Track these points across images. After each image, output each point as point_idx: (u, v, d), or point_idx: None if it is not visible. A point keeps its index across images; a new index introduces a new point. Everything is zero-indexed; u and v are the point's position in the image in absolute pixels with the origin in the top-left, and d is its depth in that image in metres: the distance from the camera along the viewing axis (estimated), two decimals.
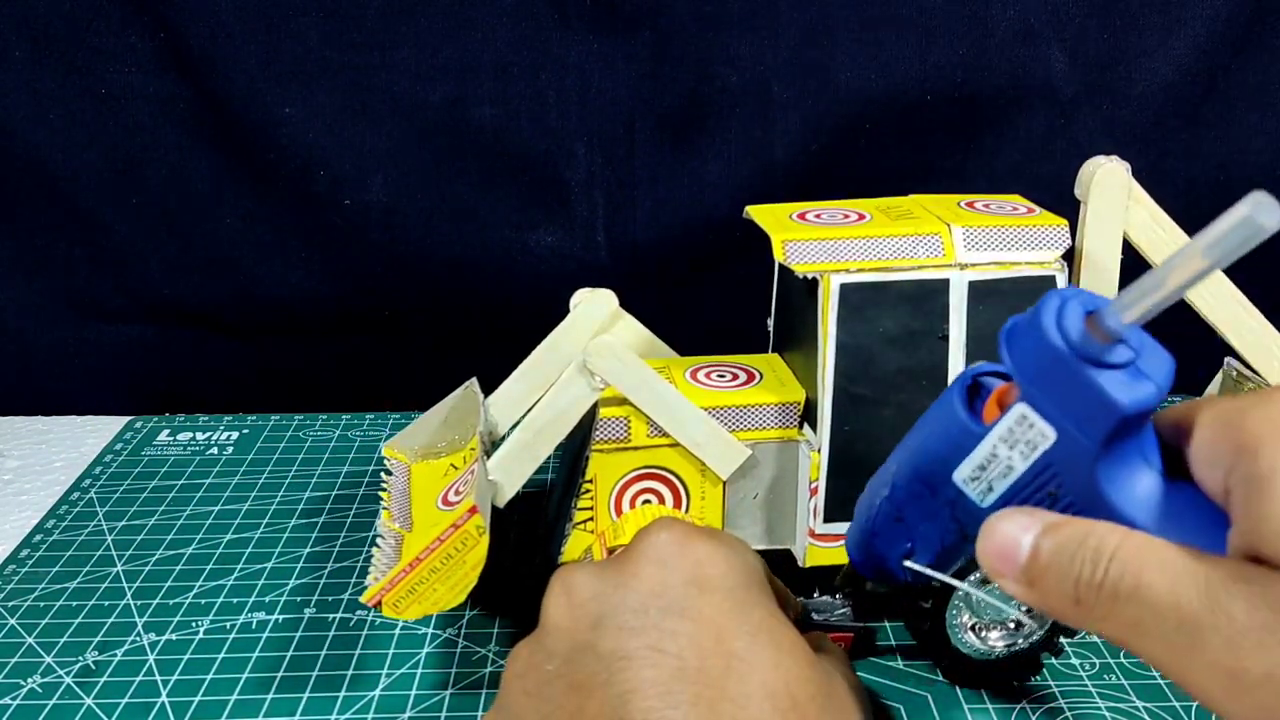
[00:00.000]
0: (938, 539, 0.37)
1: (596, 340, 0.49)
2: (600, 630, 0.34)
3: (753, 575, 0.37)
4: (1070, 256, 0.49)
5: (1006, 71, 0.69)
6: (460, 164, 0.72)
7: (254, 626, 0.54)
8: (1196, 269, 0.26)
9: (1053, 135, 0.71)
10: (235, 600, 0.56)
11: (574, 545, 0.50)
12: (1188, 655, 0.27)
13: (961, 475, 0.34)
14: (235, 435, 0.73)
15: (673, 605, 0.35)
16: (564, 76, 0.70)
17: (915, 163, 0.72)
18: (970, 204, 0.50)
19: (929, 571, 0.37)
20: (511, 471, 0.51)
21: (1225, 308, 0.51)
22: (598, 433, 0.49)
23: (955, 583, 0.37)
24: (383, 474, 0.55)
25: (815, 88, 0.70)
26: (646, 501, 0.50)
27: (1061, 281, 0.47)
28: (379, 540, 0.50)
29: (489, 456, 0.51)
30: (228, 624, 0.54)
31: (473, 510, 0.45)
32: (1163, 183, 0.73)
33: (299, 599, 0.56)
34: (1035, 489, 0.32)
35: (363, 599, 0.46)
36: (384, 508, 0.52)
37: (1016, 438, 0.32)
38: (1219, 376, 0.56)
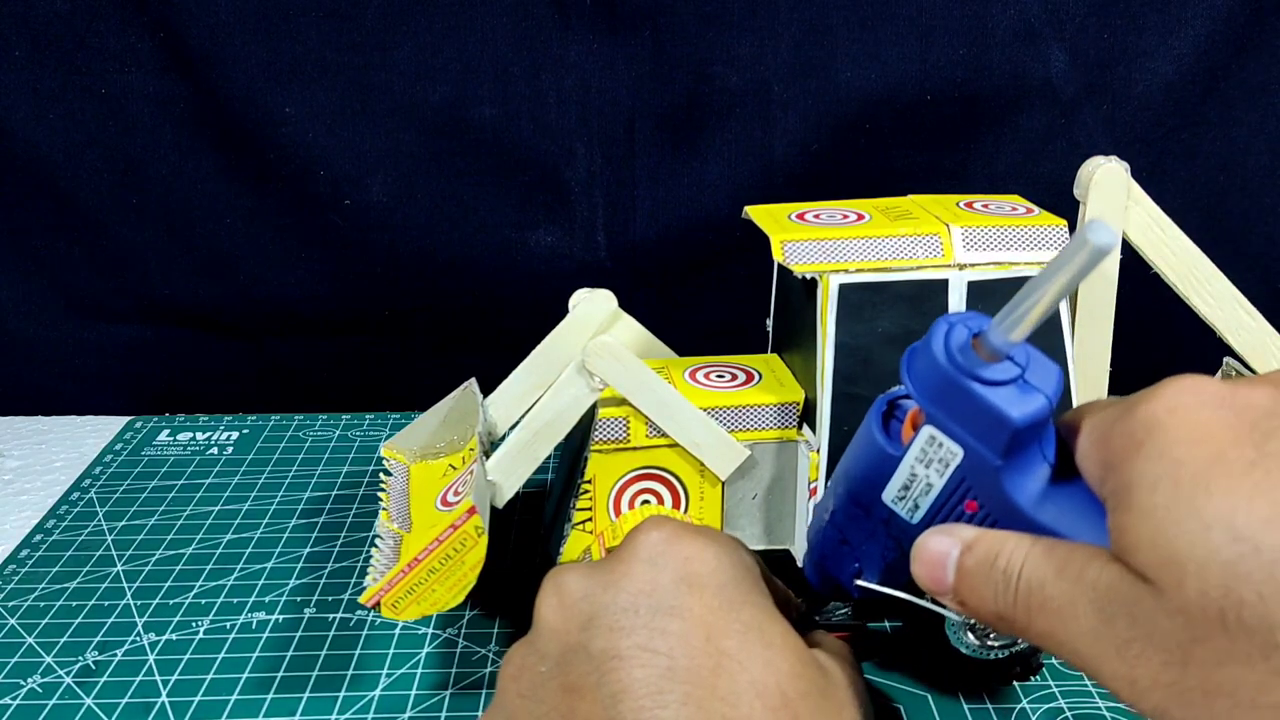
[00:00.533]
0: (880, 557, 0.38)
1: (595, 341, 0.49)
2: (591, 630, 0.34)
3: (744, 573, 0.37)
4: None
5: (1006, 71, 0.69)
6: (460, 164, 0.72)
7: (254, 626, 0.54)
8: (1060, 287, 0.28)
9: (1053, 135, 0.71)
10: (235, 600, 0.56)
11: (573, 545, 0.50)
12: (1094, 663, 0.28)
13: (889, 496, 0.36)
14: (235, 435, 0.73)
15: (663, 604, 0.35)
16: (564, 76, 0.70)
17: (915, 163, 0.72)
18: (969, 204, 0.50)
19: (882, 589, 0.39)
20: (510, 472, 0.51)
21: (1224, 307, 0.51)
22: (597, 433, 0.49)
23: (908, 597, 0.38)
24: (381, 474, 0.55)
25: (815, 87, 0.70)
26: (645, 502, 0.50)
27: None
28: (378, 541, 0.50)
29: (488, 457, 0.51)
30: (228, 624, 0.54)
31: (471, 511, 0.45)
32: (1163, 183, 0.73)
33: (299, 599, 0.56)
34: (956, 502, 0.34)
35: (361, 600, 0.46)
36: (383, 508, 0.52)
37: (930, 457, 0.34)
38: (1218, 376, 0.56)
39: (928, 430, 0.33)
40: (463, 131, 0.71)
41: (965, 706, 0.48)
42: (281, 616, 0.54)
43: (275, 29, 0.69)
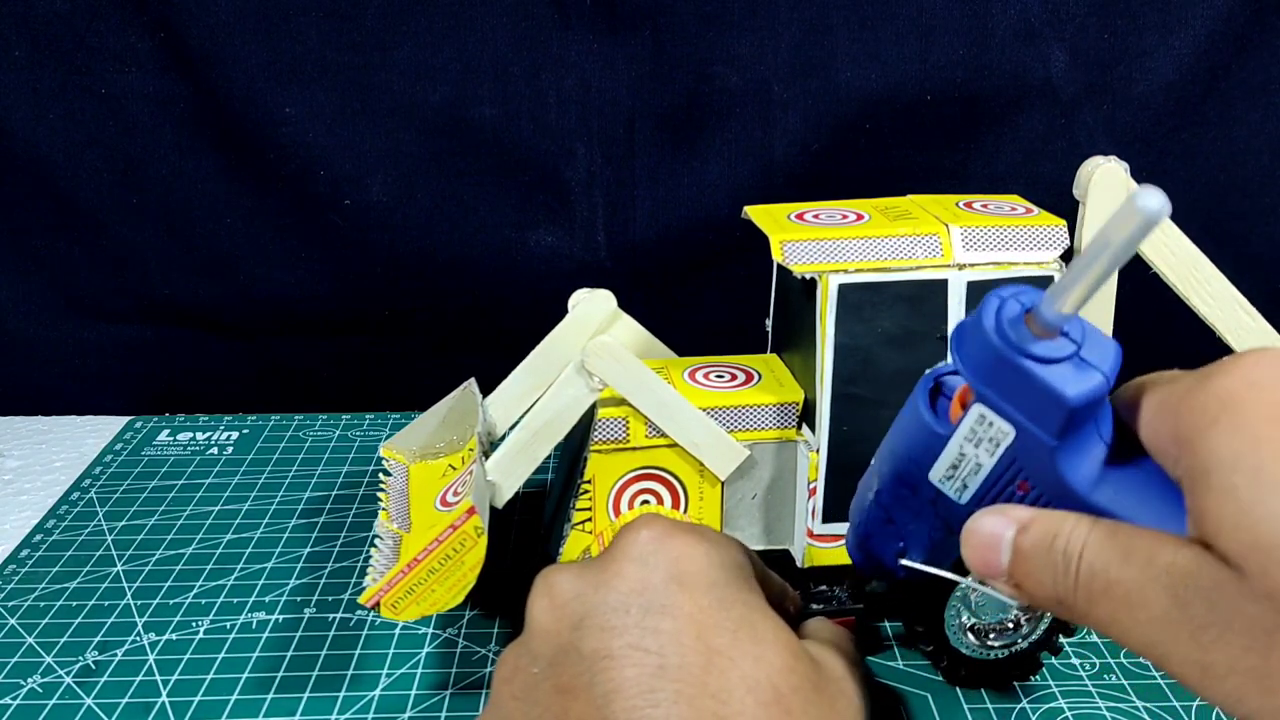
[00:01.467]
0: (926, 536, 0.37)
1: (595, 341, 0.49)
2: (582, 631, 0.34)
3: (735, 570, 0.37)
4: (1069, 256, 0.48)
5: (1006, 71, 0.69)
6: (460, 164, 0.72)
7: (254, 626, 0.54)
8: (1112, 257, 0.27)
9: (1053, 135, 0.71)
10: (235, 600, 0.56)
11: (573, 545, 0.50)
12: (1162, 648, 0.28)
13: (936, 475, 0.35)
14: (235, 435, 0.73)
15: (653, 603, 0.35)
16: (564, 76, 0.70)
17: (915, 163, 0.72)
18: (969, 204, 0.50)
19: (926, 568, 0.38)
20: (510, 472, 0.51)
21: (1224, 307, 0.51)
22: (596, 433, 0.49)
23: (954, 577, 0.37)
24: (381, 475, 0.55)
25: (815, 87, 0.70)
26: (645, 502, 0.50)
27: None
28: (377, 541, 0.50)
29: (487, 457, 0.51)
30: (228, 624, 0.54)
31: (471, 511, 0.45)
32: (1163, 183, 0.73)
33: (299, 599, 0.56)
34: (1006, 483, 0.33)
35: (360, 600, 0.46)
36: (382, 508, 0.52)
37: (979, 436, 0.33)
38: None
39: (977, 409, 0.32)
40: (463, 131, 0.71)
41: (965, 706, 0.48)
42: (281, 616, 0.54)
43: (275, 29, 0.69)
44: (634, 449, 0.49)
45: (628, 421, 0.49)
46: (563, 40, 0.70)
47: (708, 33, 0.69)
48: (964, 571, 0.35)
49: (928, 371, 0.36)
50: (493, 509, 0.50)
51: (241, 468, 0.69)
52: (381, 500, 0.52)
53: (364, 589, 0.46)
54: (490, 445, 0.53)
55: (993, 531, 0.32)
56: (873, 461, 0.38)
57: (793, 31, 0.69)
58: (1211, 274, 0.51)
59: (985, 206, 0.50)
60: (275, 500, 0.65)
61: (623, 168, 0.73)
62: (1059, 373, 0.30)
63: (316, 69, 0.69)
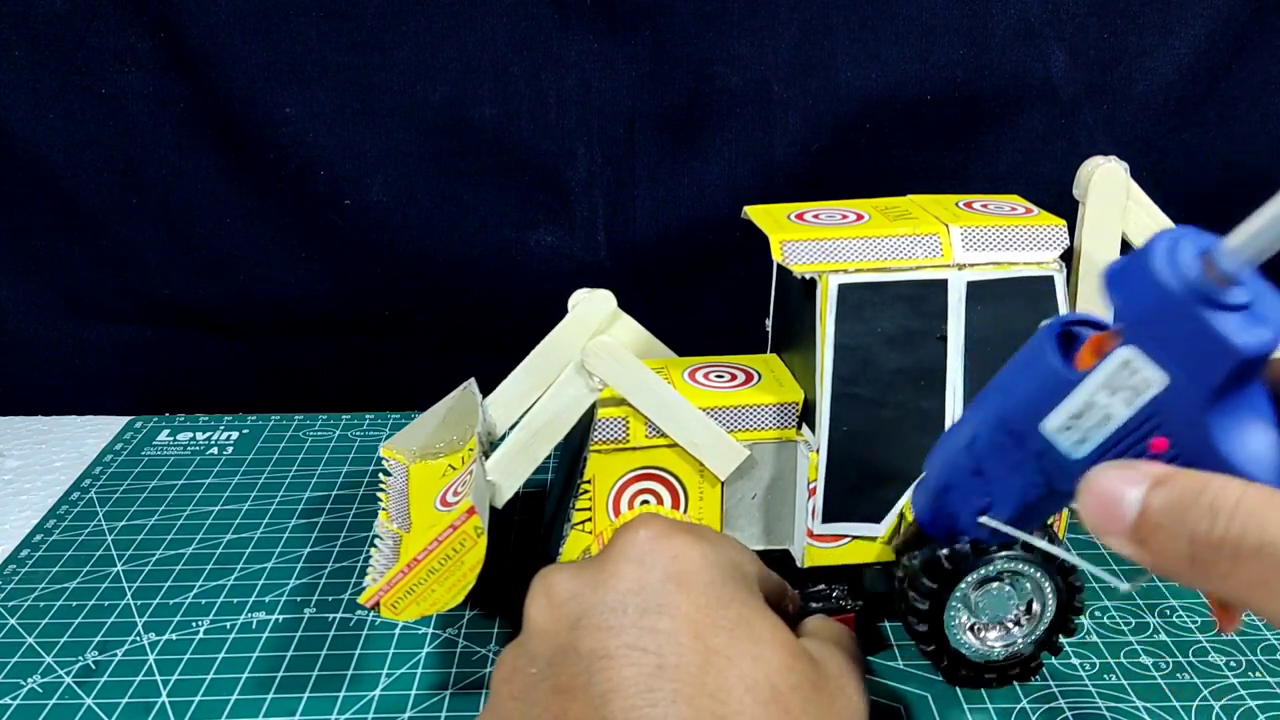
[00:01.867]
0: (1020, 493, 0.35)
1: (594, 341, 0.49)
2: (579, 630, 0.34)
3: (732, 569, 0.37)
4: (1068, 257, 0.49)
5: (1006, 71, 0.69)
6: (460, 164, 0.72)
7: (254, 626, 0.54)
8: None
9: (1053, 135, 0.71)
10: (235, 600, 0.56)
11: (572, 545, 0.50)
12: None
13: (1052, 425, 0.32)
14: (235, 435, 0.73)
15: (651, 603, 0.35)
16: (564, 76, 0.70)
17: (915, 163, 0.72)
18: (969, 204, 0.50)
19: (1007, 528, 0.36)
20: (510, 472, 0.51)
21: None
22: (596, 433, 0.49)
23: (1034, 540, 0.36)
24: (381, 475, 0.55)
25: (815, 87, 0.70)
26: (645, 502, 0.50)
27: (1060, 282, 0.47)
28: (377, 541, 0.50)
29: (487, 457, 0.51)
30: (228, 624, 0.54)
31: (471, 511, 0.45)
32: (1163, 183, 0.73)
33: (299, 599, 0.56)
34: (1139, 439, 0.31)
35: (360, 600, 0.46)
36: (382, 508, 0.52)
37: (1119, 384, 0.30)
38: None
39: (1124, 353, 0.30)
40: (463, 131, 0.71)
41: (965, 706, 0.48)
42: (281, 616, 0.54)
43: (275, 29, 0.69)
44: (634, 449, 0.49)
45: (628, 421, 0.49)
46: (563, 40, 0.70)
47: (708, 33, 0.69)
48: (1045, 536, 0.33)
49: (1050, 320, 0.34)
50: (492, 509, 0.50)
51: (241, 468, 0.69)
52: (381, 500, 0.52)
53: (364, 589, 0.46)
54: (490, 445, 0.53)
55: (1117, 484, 0.30)
56: (968, 410, 0.37)
57: (793, 31, 0.69)
58: None
59: (985, 206, 0.50)
60: (275, 500, 0.65)
61: (623, 168, 0.73)
62: (1232, 321, 0.28)
63: (316, 69, 0.69)
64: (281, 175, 0.72)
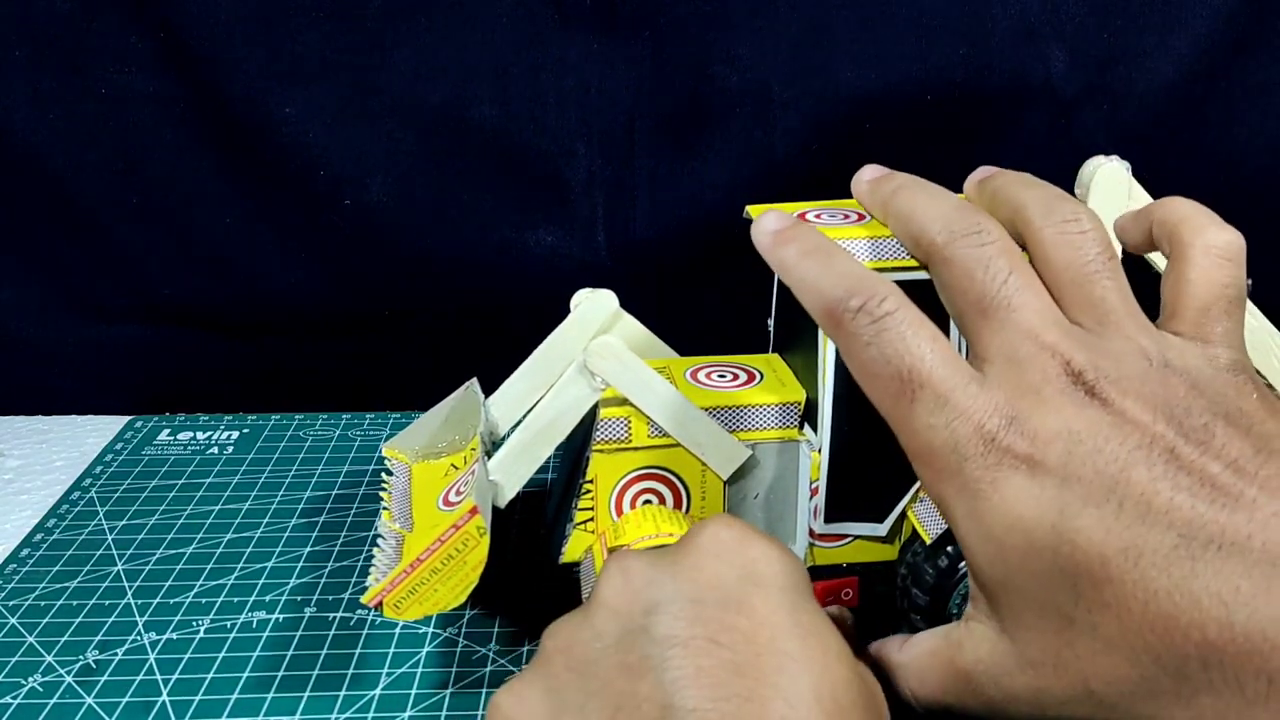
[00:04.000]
0: None
1: (597, 341, 0.49)
2: (655, 615, 0.34)
3: (803, 580, 0.37)
4: None
5: (1006, 71, 0.69)
6: (460, 164, 0.72)
7: (254, 626, 0.54)
8: None
9: (1053, 135, 0.71)
10: (235, 600, 0.56)
11: (575, 545, 0.50)
12: None
13: None
14: (235, 435, 0.73)
15: (729, 599, 0.35)
16: (564, 76, 0.70)
17: (915, 163, 0.72)
18: None
19: None
20: (512, 472, 0.51)
21: None
22: (598, 433, 0.49)
23: None
24: (383, 474, 0.55)
25: (816, 88, 0.70)
26: (647, 502, 0.50)
27: None
28: (379, 541, 0.49)
29: (489, 457, 0.51)
30: (228, 624, 0.54)
31: (473, 511, 0.45)
32: (1163, 183, 0.73)
33: (299, 599, 0.56)
34: None
35: (363, 600, 0.46)
36: (384, 508, 0.52)
37: None
38: None
39: None
40: (463, 131, 0.71)
41: None
42: (281, 616, 0.54)
43: (275, 29, 0.69)
44: (636, 449, 0.49)
45: (630, 421, 0.49)
46: (563, 41, 0.70)
47: (708, 33, 0.69)
48: None
49: None
50: (495, 509, 0.50)
51: (241, 468, 0.69)
52: (384, 499, 0.52)
53: (366, 588, 0.46)
54: (492, 445, 0.53)
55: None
56: None
57: (793, 32, 0.69)
58: None
59: None
60: (275, 500, 0.65)
61: (623, 168, 0.73)
62: None
63: (316, 69, 0.69)
64: (281, 175, 0.72)
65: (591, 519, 0.50)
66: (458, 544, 0.46)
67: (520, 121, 0.71)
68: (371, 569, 0.48)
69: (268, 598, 0.56)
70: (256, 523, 0.63)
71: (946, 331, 0.47)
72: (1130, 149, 0.71)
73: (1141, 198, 0.50)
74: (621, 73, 0.70)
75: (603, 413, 0.49)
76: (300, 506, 0.64)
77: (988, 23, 0.68)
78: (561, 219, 0.74)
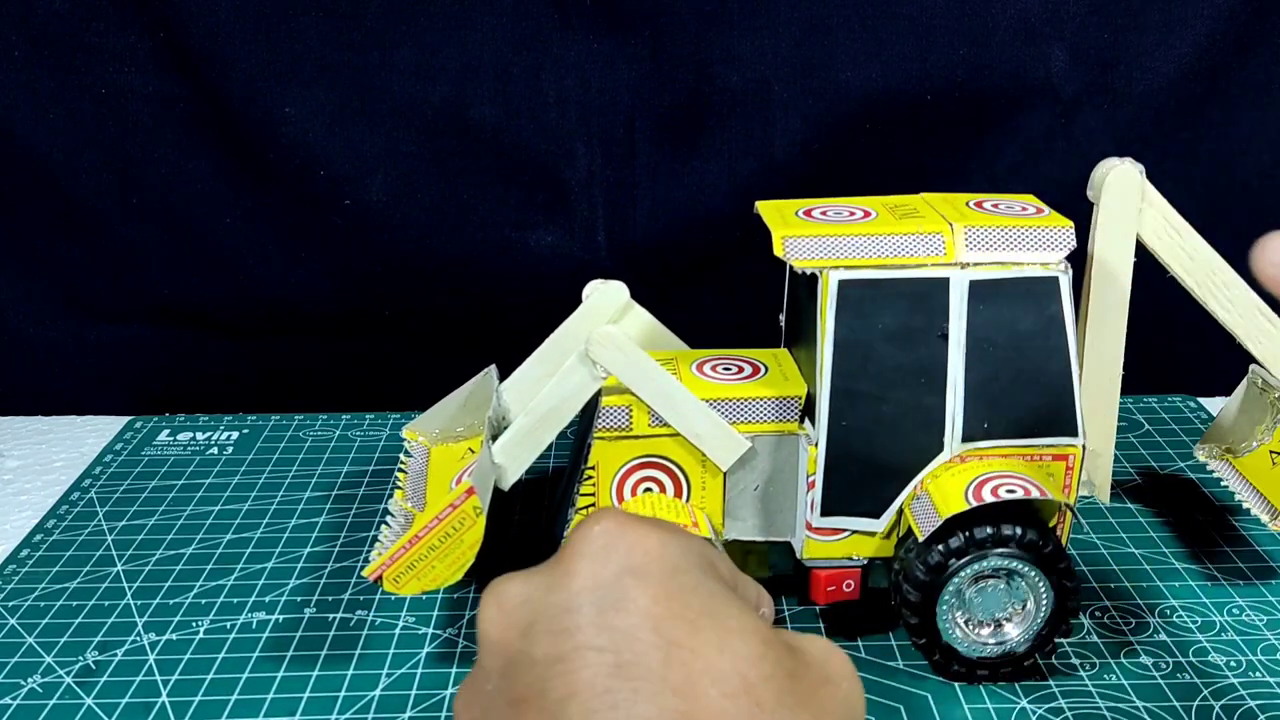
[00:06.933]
0: None
1: (598, 330, 0.50)
2: (531, 637, 0.32)
3: (694, 560, 0.35)
4: (1074, 259, 0.48)
5: (1007, 71, 0.69)
6: (460, 164, 0.72)
7: (254, 626, 0.54)
8: None
9: (1053, 135, 0.71)
10: (235, 600, 0.56)
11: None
12: None
13: None
14: (235, 435, 0.73)
15: (607, 599, 0.32)
16: (564, 76, 0.70)
17: (916, 162, 0.72)
18: (979, 204, 0.50)
19: None
20: (515, 456, 0.52)
21: (1245, 314, 0.51)
22: (600, 421, 0.49)
23: None
24: (401, 455, 0.55)
25: (816, 87, 0.70)
26: (648, 490, 0.50)
27: (1065, 283, 0.47)
28: (388, 519, 0.50)
29: (495, 440, 0.52)
30: (228, 624, 0.54)
31: (470, 491, 0.46)
32: (1163, 183, 0.73)
33: (299, 599, 0.56)
34: None
35: (364, 573, 0.47)
36: (398, 487, 0.52)
37: None
38: (1244, 383, 0.55)
39: None
40: (463, 131, 0.71)
41: (965, 707, 0.48)
42: (281, 616, 0.54)
43: (275, 29, 0.69)
44: (637, 437, 0.50)
45: (631, 410, 0.49)
46: (563, 40, 0.70)
47: (708, 33, 0.69)
48: None
49: None
50: (498, 491, 0.51)
51: (241, 468, 0.69)
52: (399, 479, 0.53)
53: (368, 562, 0.47)
54: (500, 429, 0.53)
55: None
56: None
57: (793, 31, 0.69)
58: (1231, 280, 0.51)
59: (996, 206, 0.50)
60: (275, 500, 0.65)
61: (623, 168, 0.73)
62: None
63: (316, 69, 0.69)
64: (281, 175, 0.72)
65: (593, 504, 0.50)
66: (454, 522, 0.46)
67: (520, 121, 0.71)
68: (377, 544, 0.48)
69: (268, 598, 0.56)
70: (256, 523, 0.63)
71: (946, 335, 0.47)
72: (1130, 149, 0.71)
73: (1157, 200, 0.50)
74: (621, 72, 0.70)
75: (604, 401, 0.49)
76: (300, 507, 0.64)
77: (988, 22, 0.68)
78: (561, 219, 0.74)
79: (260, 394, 0.79)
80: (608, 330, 0.49)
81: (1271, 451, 0.52)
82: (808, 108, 0.70)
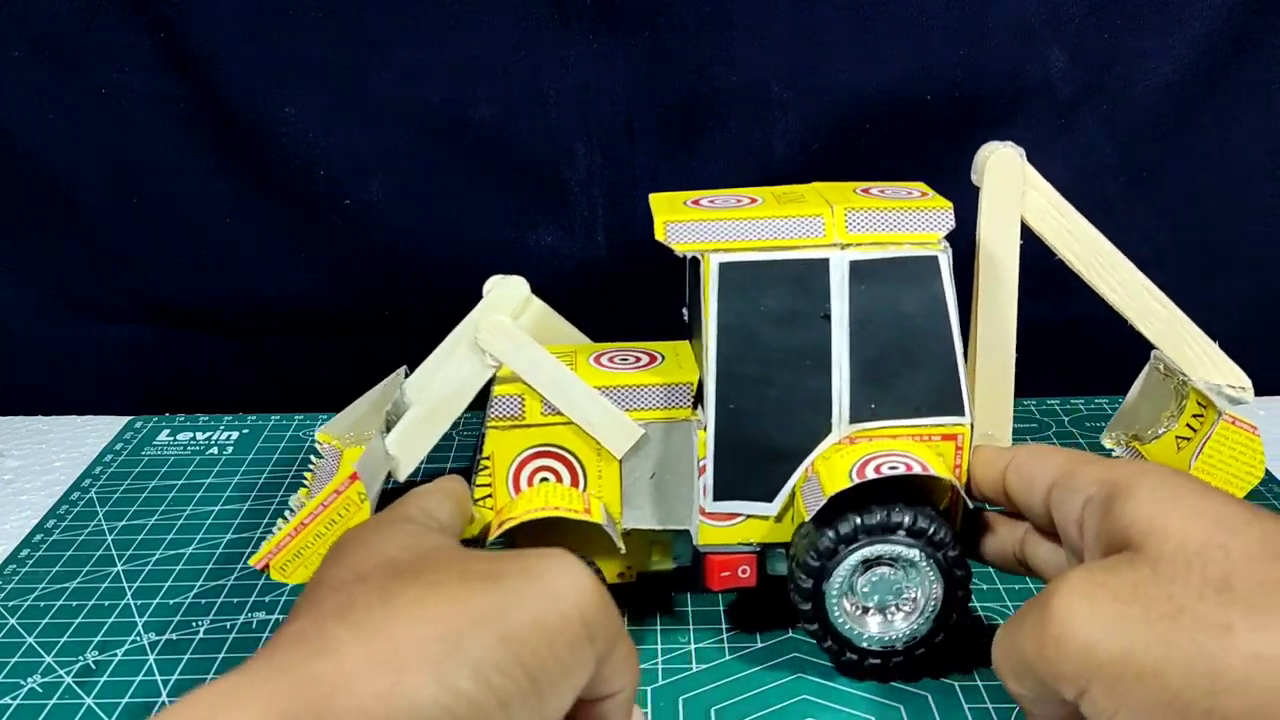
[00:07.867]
0: None
1: (487, 319, 0.50)
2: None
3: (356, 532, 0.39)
4: (954, 239, 0.48)
5: (1005, 72, 0.69)
6: (460, 164, 0.72)
7: (254, 626, 0.54)
8: None
9: (1052, 135, 0.71)
10: (235, 600, 0.56)
11: (474, 522, 0.50)
12: None
13: None
14: (235, 435, 0.73)
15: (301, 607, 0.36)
16: (564, 76, 0.70)
17: (914, 163, 0.72)
18: (866, 190, 0.51)
19: None
20: (409, 447, 0.52)
21: (1132, 294, 0.51)
22: (492, 409, 0.49)
23: None
24: (312, 457, 0.55)
25: (814, 88, 0.70)
26: (544, 479, 0.50)
27: (945, 262, 0.47)
28: (287, 513, 0.50)
29: (389, 432, 0.52)
30: (228, 624, 0.54)
31: (354, 477, 0.46)
32: (1162, 182, 0.73)
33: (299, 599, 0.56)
34: None
35: (250, 562, 0.48)
36: (305, 486, 0.52)
37: None
38: (1146, 369, 0.55)
39: None
40: (463, 131, 0.71)
41: (965, 707, 0.48)
42: (282, 616, 0.54)
43: (275, 29, 0.69)
44: (530, 426, 0.50)
45: (523, 399, 0.49)
46: (562, 40, 0.70)
47: (707, 33, 0.69)
48: None
49: None
50: (398, 482, 0.51)
51: (241, 468, 0.69)
52: (307, 479, 0.53)
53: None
54: (397, 422, 0.54)
55: None
56: None
57: (792, 32, 0.69)
58: (1118, 261, 0.51)
59: (882, 191, 0.50)
60: (275, 500, 0.65)
61: (623, 168, 0.73)
62: None
63: (316, 69, 0.69)
64: (281, 175, 0.72)
65: (490, 495, 0.50)
66: (340, 509, 0.47)
67: (519, 121, 0.71)
68: (268, 537, 0.48)
69: (267, 598, 0.56)
70: (256, 523, 0.63)
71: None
72: (1129, 149, 0.71)
73: (1038, 183, 0.50)
74: (621, 72, 0.70)
75: (496, 390, 0.50)
76: None
77: (986, 23, 0.68)
78: (561, 218, 0.74)
79: (260, 394, 0.79)
80: (497, 319, 0.50)
81: (1178, 437, 0.51)
82: (806, 108, 0.70)
